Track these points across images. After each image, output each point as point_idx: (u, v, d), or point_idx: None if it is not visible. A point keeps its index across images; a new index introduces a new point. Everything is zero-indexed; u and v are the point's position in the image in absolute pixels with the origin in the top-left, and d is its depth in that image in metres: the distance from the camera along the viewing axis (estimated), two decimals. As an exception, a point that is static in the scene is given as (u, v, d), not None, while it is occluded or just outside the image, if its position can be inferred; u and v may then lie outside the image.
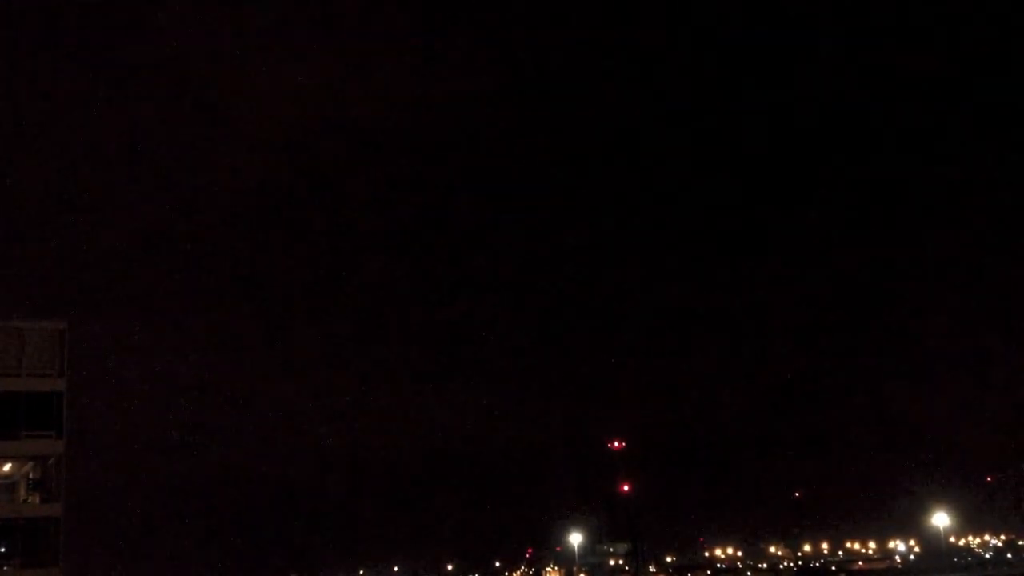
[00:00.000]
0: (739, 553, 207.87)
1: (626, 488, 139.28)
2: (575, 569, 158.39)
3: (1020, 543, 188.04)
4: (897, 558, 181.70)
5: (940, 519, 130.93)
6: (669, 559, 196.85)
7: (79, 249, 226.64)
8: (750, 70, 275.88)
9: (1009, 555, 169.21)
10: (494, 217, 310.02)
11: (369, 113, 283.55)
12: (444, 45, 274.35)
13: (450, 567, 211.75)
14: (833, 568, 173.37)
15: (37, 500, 62.10)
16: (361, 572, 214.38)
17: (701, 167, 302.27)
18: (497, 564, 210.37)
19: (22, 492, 64.43)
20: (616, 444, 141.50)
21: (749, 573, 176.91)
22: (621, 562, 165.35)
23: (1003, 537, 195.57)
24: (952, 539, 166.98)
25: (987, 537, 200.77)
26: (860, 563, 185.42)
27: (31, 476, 63.60)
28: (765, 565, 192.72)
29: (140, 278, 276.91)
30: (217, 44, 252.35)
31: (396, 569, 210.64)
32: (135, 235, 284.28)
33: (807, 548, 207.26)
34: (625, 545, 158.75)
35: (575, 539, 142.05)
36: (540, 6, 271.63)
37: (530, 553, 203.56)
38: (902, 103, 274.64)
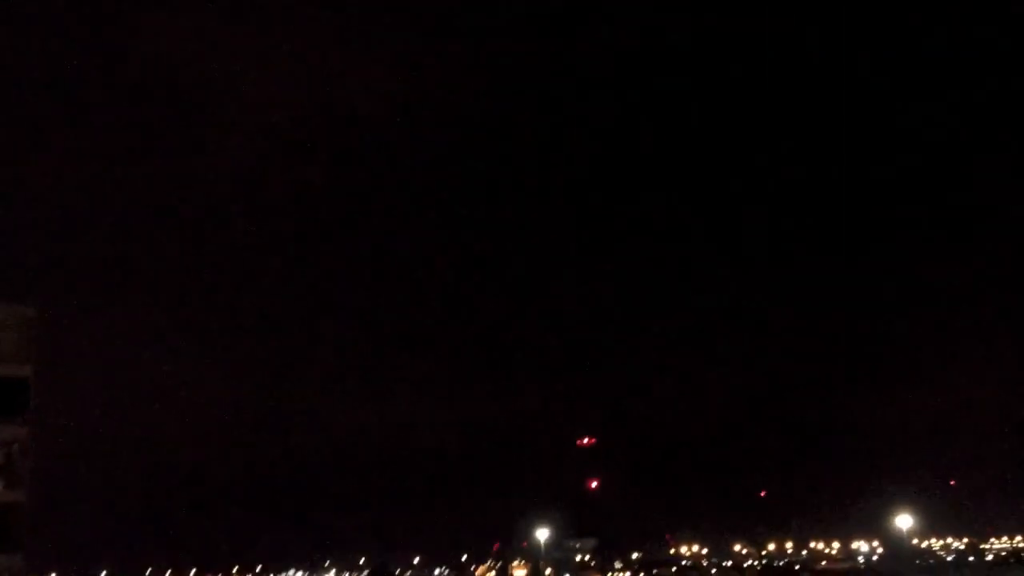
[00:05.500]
0: (704, 551, 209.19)
1: (594, 485, 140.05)
2: (541, 564, 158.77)
3: (982, 546, 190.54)
4: (860, 559, 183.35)
5: (903, 521, 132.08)
6: (635, 555, 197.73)
7: (51, 234, 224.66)
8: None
9: (971, 558, 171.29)
10: (475, 213, 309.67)
11: (364, 105, 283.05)
12: (444, 39, 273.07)
13: (416, 560, 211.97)
14: (797, 567, 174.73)
15: (1, 486, 61.73)
16: (327, 563, 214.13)
17: (685, 164, 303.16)
18: (464, 558, 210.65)
19: (-15, 478, 63.93)
20: (586, 441, 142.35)
21: (714, 571, 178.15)
22: (587, 558, 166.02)
23: (965, 540, 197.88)
24: (915, 541, 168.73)
25: (950, 540, 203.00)
26: (823, 563, 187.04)
27: (-5, 462, 63.21)
28: (730, 563, 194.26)
29: (113, 264, 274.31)
30: (208, 31, 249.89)
31: (362, 561, 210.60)
32: (110, 221, 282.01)
33: (771, 547, 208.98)
34: (592, 541, 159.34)
35: (542, 534, 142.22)
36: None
37: (496, 547, 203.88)
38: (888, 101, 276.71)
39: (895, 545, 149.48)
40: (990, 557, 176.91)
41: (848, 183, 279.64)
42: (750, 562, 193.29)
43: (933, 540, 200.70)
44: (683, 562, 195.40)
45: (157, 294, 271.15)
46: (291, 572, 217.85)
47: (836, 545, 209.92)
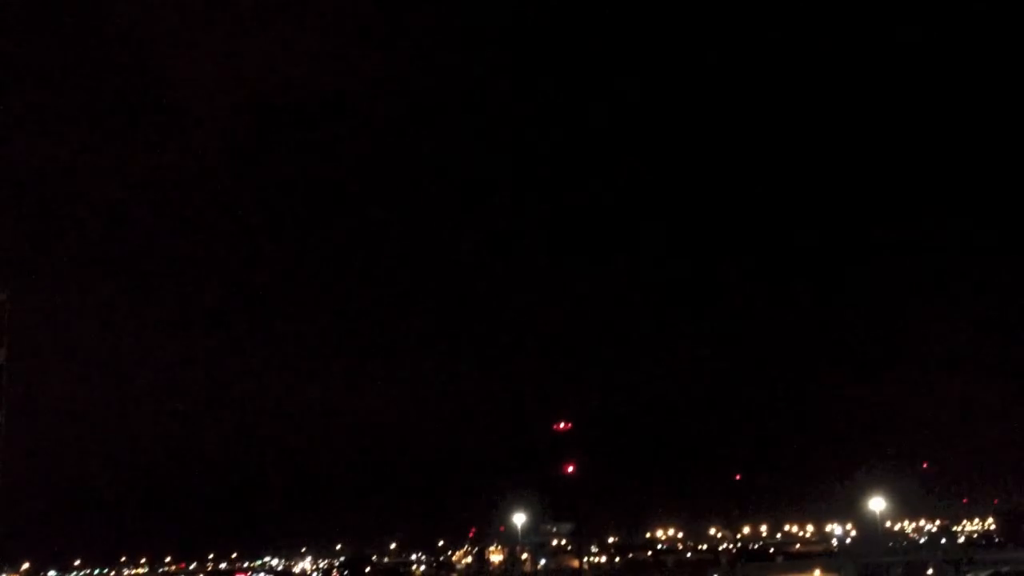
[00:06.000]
0: (680, 535, 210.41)
1: (571, 469, 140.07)
2: (518, 549, 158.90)
3: (954, 529, 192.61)
4: (834, 541, 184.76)
5: (876, 504, 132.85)
6: (611, 539, 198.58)
7: (24, 218, 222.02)
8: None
9: (943, 540, 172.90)
10: (444, 195, 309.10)
11: (350, 89, 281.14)
12: (409, 20, 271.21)
13: (393, 546, 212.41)
14: (771, 550, 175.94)
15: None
16: (304, 550, 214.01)
17: (663, 152, 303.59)
18: (440, 543, 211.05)
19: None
20: (562, 426, 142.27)
21: (689, 554, 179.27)
22: (564, 542, 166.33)
23: (938, 522, 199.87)
24: (888, 524, 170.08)
25: (922, 522, 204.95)
26: (797, 545, 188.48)
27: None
28: (705, 546, 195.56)
29: (86, 250, 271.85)
30: (172, 14, 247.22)
31: (339, 547, 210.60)
32: (83, 206, 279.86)
33: (746, 530, 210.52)
34: (568, 525, 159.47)
35: (519, 519, 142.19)
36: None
37: (473, 532, 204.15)
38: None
39: (868, 528, 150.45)
40: (962, 539, 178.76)
41: (830, 171, 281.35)
42: (725, 545, 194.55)
43: (906, 523, 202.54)
44: (659, 546, 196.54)
45: (133, 283, 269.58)
46: (266, 560, 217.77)
47: (810, 528, 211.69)
